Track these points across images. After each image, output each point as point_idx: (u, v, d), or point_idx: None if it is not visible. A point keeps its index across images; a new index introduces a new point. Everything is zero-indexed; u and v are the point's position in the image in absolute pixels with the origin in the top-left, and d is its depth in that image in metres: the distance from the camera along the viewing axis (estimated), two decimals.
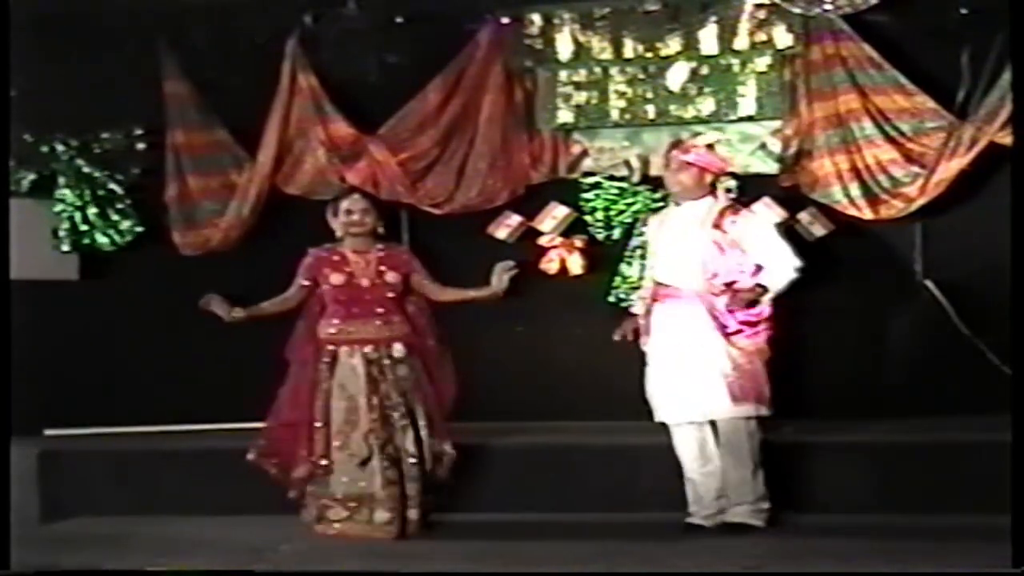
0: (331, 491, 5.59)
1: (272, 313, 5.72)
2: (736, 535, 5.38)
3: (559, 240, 7.13)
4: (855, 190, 6.72)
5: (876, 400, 6.70)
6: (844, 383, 6.84)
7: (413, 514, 5.58)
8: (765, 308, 5.49)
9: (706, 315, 5.43)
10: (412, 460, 5.58)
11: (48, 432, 7.11)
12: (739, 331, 5.44)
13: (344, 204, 5.76)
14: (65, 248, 7.42)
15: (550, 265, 7.12)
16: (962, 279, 6.74)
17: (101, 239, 7.38)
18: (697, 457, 5.54)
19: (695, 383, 5.43)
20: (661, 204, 6.95)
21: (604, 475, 6.06)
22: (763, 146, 7.03)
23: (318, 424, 5.61)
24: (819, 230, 6.84)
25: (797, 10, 6.71)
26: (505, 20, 7.20)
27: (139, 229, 7.41)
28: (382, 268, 5.68)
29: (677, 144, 5.72)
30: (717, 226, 5.47)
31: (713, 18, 6.97)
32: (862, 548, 5.12)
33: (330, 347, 5.65)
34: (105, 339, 7.32)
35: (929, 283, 6.80)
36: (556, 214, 7.15)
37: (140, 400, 7.20)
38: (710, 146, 5.73)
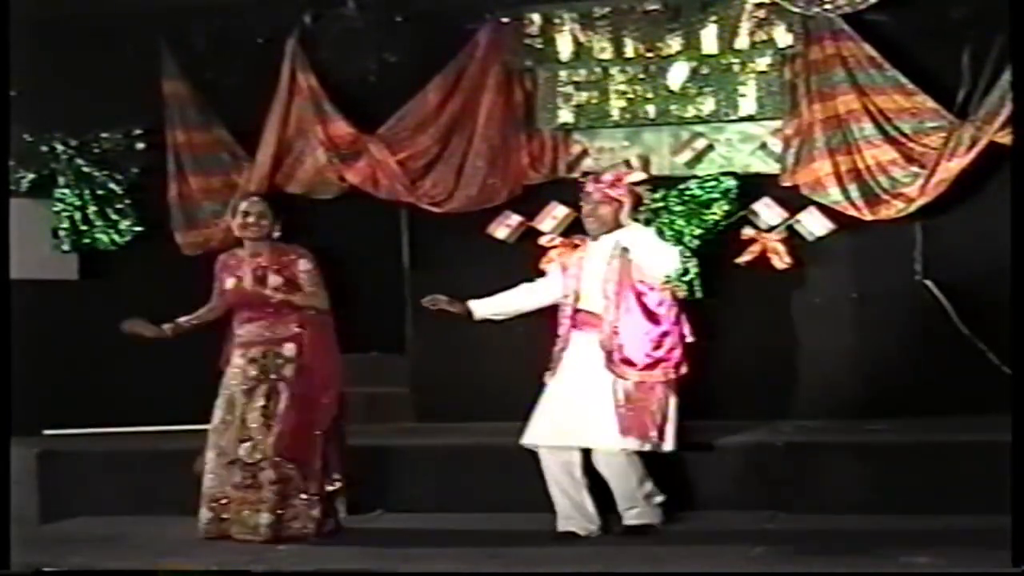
0: (204, 490, 5.60)
1: (200, 324, 5.73)
2: (642, 536, 5.42)
3: (559, 240, 7.13)
4: (854, 191, 6.71)
5: (876, 400, 6.69)
6: (844, 383, 6.84)
7: (264, 518, 5.51)
8: (675, 348, 5.52)
9: (609, 346, 5.47)
10: (271, 463, 5.52)
11: (47, 432, 7.10)
12: (648, 365, 5.46)
13: (242, 206, 5.75)
14: (65, 248, 7.43)
15: (550, 265, 7.11)
16: (962, 279, 6.73)
17: (101, 238, 7.39)
18: (571, 481, 5.53)
19: (587, 410, 5.45)
20: (660, 204, 6.96)
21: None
22: (763, 146, 7.02)
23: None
24: (819, 230, 6.83)
25: (797, 9, 6.72)
26: (505, 20, 7.19)
27: (138, 228, 7.42)
28: (268, 271, 5.62)
29: (598, 176, 5.73)
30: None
31: (713, 17, 6.96)
32: (862, 548, 5.12)
33: (232, 349, 5.68)
34: (105, 339, 7.29)
35: (929, 283, 6.79)
36: (556, 214, 7.14)
37: (140, 400, 7.20)
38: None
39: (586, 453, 5.54)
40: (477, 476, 6.12)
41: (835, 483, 5.82)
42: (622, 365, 5.45)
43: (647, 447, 5.45)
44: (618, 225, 5.59)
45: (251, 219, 5.65)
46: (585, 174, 7.17)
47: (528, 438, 5.61)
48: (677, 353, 5.53)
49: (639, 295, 5.51)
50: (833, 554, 5.03)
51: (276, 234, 5.70)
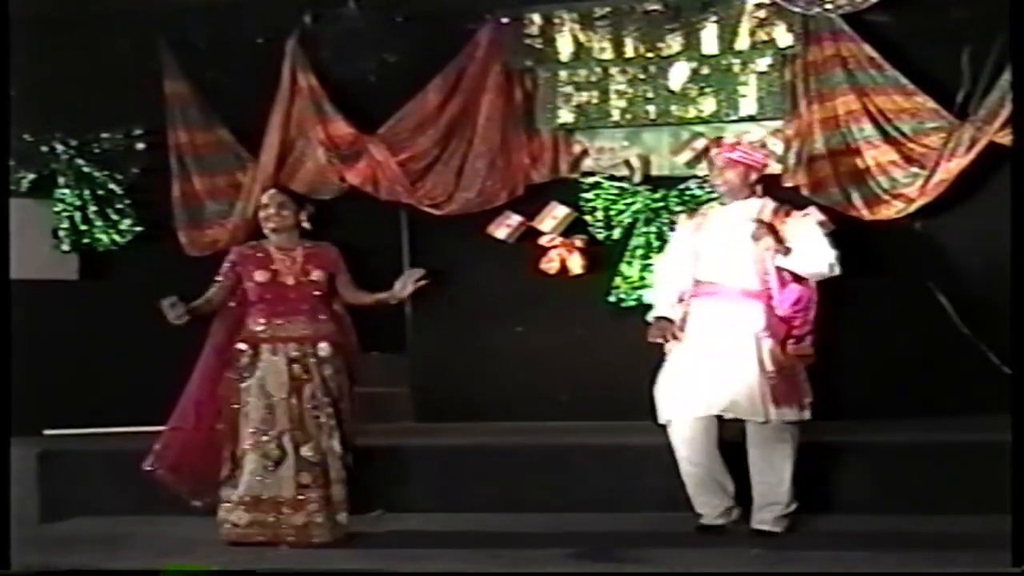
0: (237, 493, 5.48)
1: (204, 313, 5.63)
2: (754, 539, 5.33)
3: (559, 240, 7.13)
4: (854, 191, 6.73)
5: (876, 400, 6.70)
6: (844, 383, 6.83)
7: (343, 517, 5.49)
8: (810, 310, 5.44)
9: (757, 313, 5.36)
10: (340, 462, 5.49)
11: (48, 432, 7.10)
12: (789, 335, 5.38)
13: (263, 199, 5.70)
14: (65, 248, 7.43)
15: (550, 265, 7.12)
16: (962, 279, 6.74)
17: (101, 239, 7.39)
18: (701, 451, 5.43)
19: (732, 380, 5.30)
20: (660, 204, 6.98)
21: (604, 475, 6.06)
22: (763, 146, 7.01)
23: (231, 424, 5.53)
24: None
25: (797, 9, 6.73)
26: (505, 20, 7.20)
27: (139, 228, 7.43)
28: (308, 266, 5.56)
29: (718, 142, 5.69)
30: (771, 225, 5.40)
31: (713, 18, 6.97)
32: (862, 548, 5.12)
33: (252, 345, 5.54)
34: (105, 339, 7.31)
35: (929, 283, 6.79)
36: (556, 214, 7.15)
37: (140, 400, 7.18)
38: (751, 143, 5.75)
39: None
40: (477, 476, 6.11)
41: (836, 483, 5.81)
42: (782, 334, 5.36)
43: (804, 416, 5.36)
44: (751, 191, 5.52)
45: (271, 210, 5.60)
46: (585, 174, 7.20)
47: (676, 413, 5.40)
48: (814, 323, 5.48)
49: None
50: (834, 554, 5.03)
51: (305, 225, 5.64)
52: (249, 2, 7.32)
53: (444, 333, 7.35)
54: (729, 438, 5.47)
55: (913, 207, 6.65)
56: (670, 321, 5.53)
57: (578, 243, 7.10)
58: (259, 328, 5.56)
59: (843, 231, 6.80)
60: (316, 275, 5.57)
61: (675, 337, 5.50)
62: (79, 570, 5.24)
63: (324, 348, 5.55)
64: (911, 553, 4.95)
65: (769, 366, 5.32)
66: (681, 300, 5.57)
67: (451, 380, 7.32)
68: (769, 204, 5.51)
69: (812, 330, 5.45)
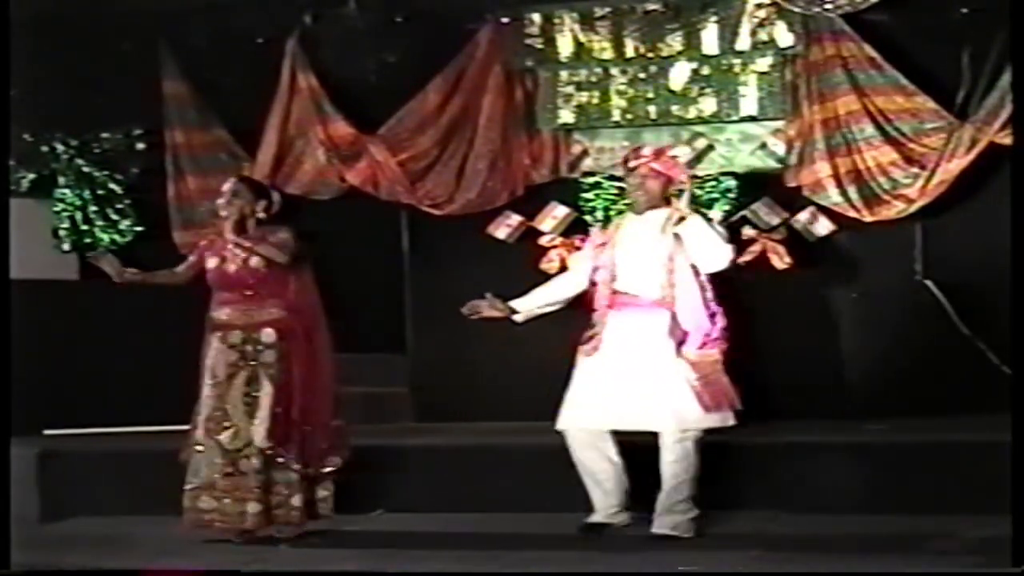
0: (201, 480, 5.53)
1: (163, 282, 5.75)
2: (672, 544, 5.30)
3: (559, 240, 7.13)
4: (854, 192, 6.73)
5: (876, 400, 6.70)
6: (844, 383, 6.84)
7: (252, 507, 5.45)
8: (719, 320, 5.45)
9: (667, 324, 5.38)
10: (255, 451, 5.46)
11: (48, 432, 7.10)
12: (703, 343, 5.40)
13: (224, 185, 5.71)
14: (65, 248, 7.44)
15: (550, 265, 7.11)
16: (962, 279, 6.74)
17: (101, 238, 7.40)
18: (606, 460, 5.47)
19: (657, 392, 5.31)
20: None
21: None
22: (764, 146, 7.03)
23: (197, 412, 5.59)
24: (819, 230, 6.84)
25: (797, 9, 6.73)
26: (505, 20, 7.20)
27: (139, 228, 7.44)
28: (251, 254, 5.53)
29: (637, 152, 5.61)
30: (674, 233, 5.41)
31: (714, 18, 6.97)
32: (861, 548, 5.12)
33: (210, 333, 5.61)
34: (105, 339, 7.31)
35: (929, 283, 6.80)
36: (556, 214, 7.15)
37: (140, 400, 7.20)
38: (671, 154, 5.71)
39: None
40: (477, 476, 6.11)
41: (835, 483, 5.81)
42: (687, 343, 5.37)
43: (729, 422, 5.39)
44: (664, 200, 5.49)
45: (225, 198, 5.59)
46: (585, 174, 7.20)
47: (576, 422, 5.46)
48: (722, 329, 5.48)
49: (696, 271, 5.42)
50: (832, 554, 5.03)
51: (260, 215, 5.62)
52: (249, 2, 7.32)
53: (444, 333, 7.34)
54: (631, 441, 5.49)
55: (913, 207, 6.65)
56: (510, 310, 5.71)
57: (578, 243, 7.10)
58: (212, 315, 5.63)
59: (843, 230, 6.84)
60: (253, 261, 5.55)
61: (476, 313, 5.68)
62: (79, 570, 5.24)
63: (267, 334, 5.54)
64: (910, 553, 4.95)
65: (691, 373, 5.34)
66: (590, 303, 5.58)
67: (451, 380, 7.32)
68: (675, 213, 5.44)
69: (720, 336, 5.47)
